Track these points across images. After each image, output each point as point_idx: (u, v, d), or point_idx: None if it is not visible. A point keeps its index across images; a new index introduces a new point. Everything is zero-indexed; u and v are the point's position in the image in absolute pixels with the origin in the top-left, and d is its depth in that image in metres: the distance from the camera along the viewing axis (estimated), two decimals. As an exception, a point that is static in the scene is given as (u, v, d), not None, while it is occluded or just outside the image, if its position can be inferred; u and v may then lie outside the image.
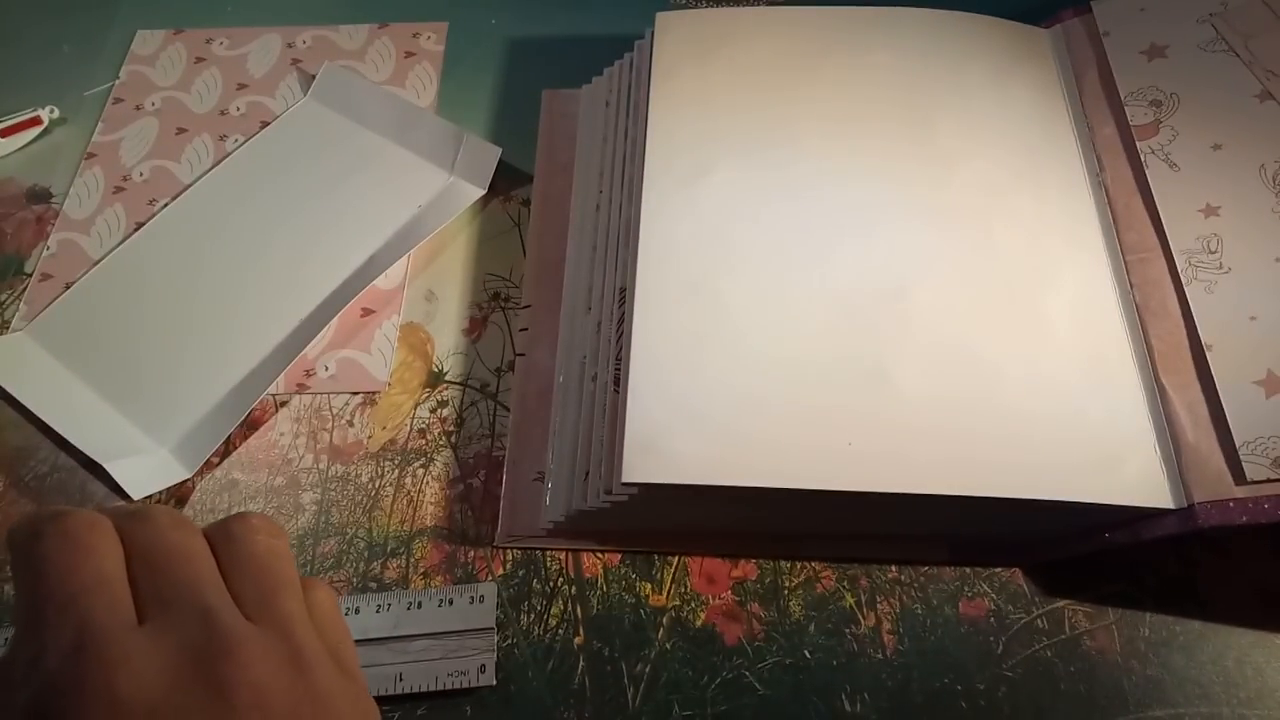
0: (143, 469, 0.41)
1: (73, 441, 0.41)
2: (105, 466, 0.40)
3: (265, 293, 0.45)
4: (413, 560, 0.39)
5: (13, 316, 0.46)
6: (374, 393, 0.43)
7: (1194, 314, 0.36)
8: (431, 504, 0.40)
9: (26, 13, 0.58)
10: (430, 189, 0.48)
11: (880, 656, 0.36)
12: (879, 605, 0.37)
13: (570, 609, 0.38)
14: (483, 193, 0.48)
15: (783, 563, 0.38)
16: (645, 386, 0.35)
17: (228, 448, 0.42)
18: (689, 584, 0.38)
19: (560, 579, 0.38)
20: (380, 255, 0.46)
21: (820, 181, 0.40)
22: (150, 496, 0.40)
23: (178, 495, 0.41)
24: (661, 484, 0.33)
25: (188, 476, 0.41)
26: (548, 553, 0.39)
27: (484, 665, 0.35)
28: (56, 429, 0.42)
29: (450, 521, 0.40)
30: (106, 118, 0.53)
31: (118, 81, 0.54)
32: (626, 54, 0.47)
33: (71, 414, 0.42)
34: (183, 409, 0.42)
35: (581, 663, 0.36)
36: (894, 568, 0.38)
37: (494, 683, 0.35)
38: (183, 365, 0.44)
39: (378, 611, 0.37)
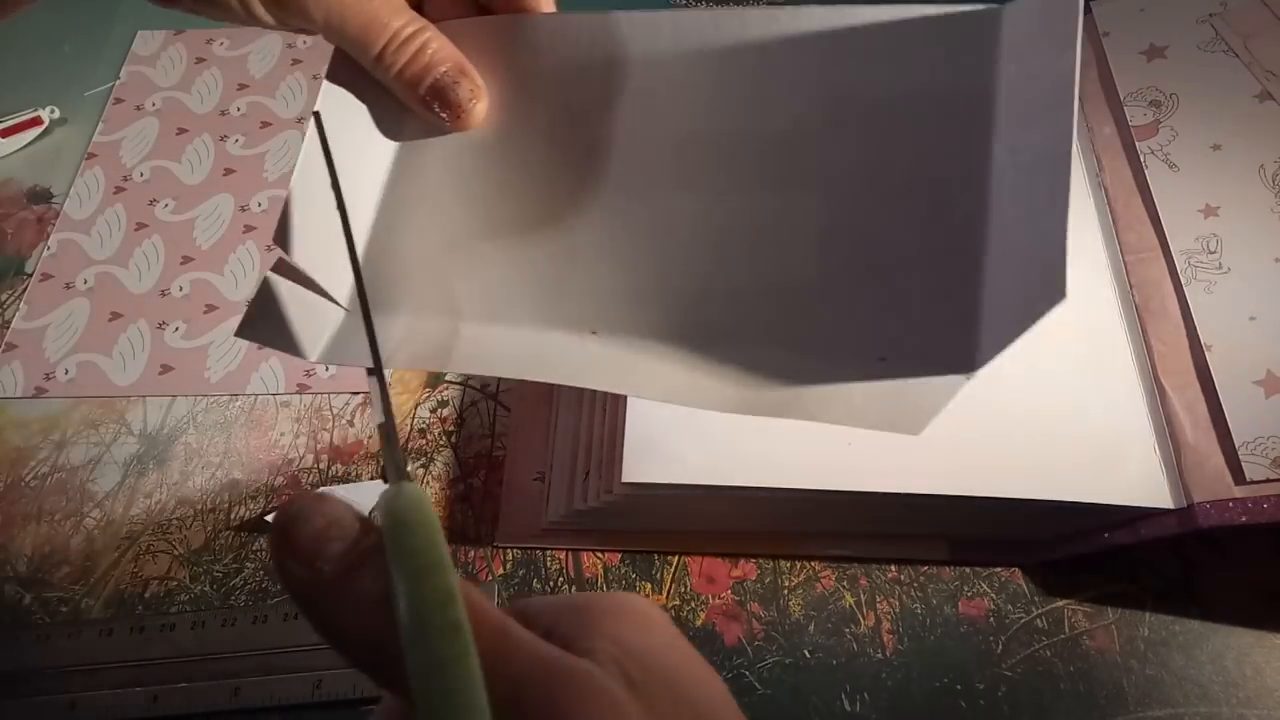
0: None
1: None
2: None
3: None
4: (413, 560, 0.39)
5: (13, 317, 0.46)
6: (374, 393, 0.43)
7: (1194, 314, 0.36)
8: (432, 503, 0.40)
9: (27, 13, 0.58)
10: None
11: (880, 656, 0.36)
12: (879, 605, 0.37)
13: (570, 609, 0.38)
14: None
15: (782, 563, 0.38)
16: (645, 386, 0.34)
17: (227, 447, 0.42)
18: (689, 584, 0.38)
19: (560, 579, 0.38)
20: None
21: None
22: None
23: (177, 497, 0.41)
24: (661, 484, 0.33)
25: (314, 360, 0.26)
26: (548, 552, 0.39)
27: (484, 665, 0.35)
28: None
29: (450, 521, 0.40)
30: (107, 118, 0.53)
31: (118, 82, 0.54)
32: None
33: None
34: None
35: (581, 662, 0.36)
36: (894, 568, 0.38)
37: (494, 682, 0.35)
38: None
39: (378, 611, 0.37)
